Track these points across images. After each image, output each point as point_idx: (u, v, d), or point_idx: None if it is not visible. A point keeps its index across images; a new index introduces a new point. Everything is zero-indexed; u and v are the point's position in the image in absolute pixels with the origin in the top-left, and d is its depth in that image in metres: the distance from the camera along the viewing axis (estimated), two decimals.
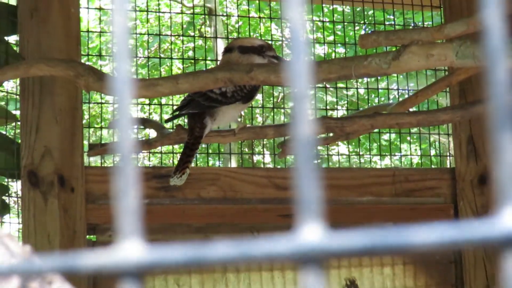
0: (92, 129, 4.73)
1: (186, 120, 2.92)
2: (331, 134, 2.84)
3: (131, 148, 0.44)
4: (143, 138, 3.19)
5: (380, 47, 2.25)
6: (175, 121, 2.97)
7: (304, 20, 0.43)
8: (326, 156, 4.20)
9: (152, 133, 3.12)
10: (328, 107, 5.96)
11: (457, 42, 1.88)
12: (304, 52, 0.43)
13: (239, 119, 3.02)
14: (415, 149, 7.64)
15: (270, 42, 3.22)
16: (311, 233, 0.40)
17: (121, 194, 0.42)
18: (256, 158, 7.63)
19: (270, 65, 2.56)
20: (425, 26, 3.97)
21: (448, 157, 3.95)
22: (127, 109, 0.45)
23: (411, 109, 3.27)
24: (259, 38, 3.57)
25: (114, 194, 0.43)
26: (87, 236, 3.06)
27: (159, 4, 4.28)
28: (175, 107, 3.13)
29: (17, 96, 3.11)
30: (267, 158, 8.10)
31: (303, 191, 0.40)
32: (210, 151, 3.85)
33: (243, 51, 2.87)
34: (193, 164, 3.07)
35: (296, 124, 0.40)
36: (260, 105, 6.62)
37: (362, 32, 7.31)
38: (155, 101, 6.35)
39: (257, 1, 3.85)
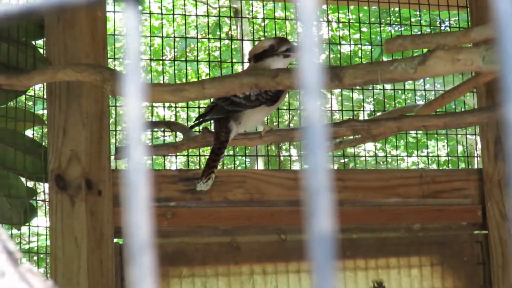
0: (119, 131, 4.73)
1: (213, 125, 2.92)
2: (357, 136, 2.83)
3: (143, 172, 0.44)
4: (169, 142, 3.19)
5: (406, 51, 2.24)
6: (201, 126, 2.97)
7: (317, 18, 0.43)
8: (353, 155, 4.18)
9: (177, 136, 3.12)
10: (354, 106, 5.94)
11: (484, 47, 1.86)
12: (314, 52, 0.43)
13: (266, 122, 3.01)
14: (443, 146, 7.60)
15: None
16: None
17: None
18: (283, 157, 7.62)
19: (296, 70, 2.55)
20: (451, 25, 3.94)
21: (475, 158, 3.92)
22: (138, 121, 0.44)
23: (438, 110, 3.26)
24: (273, 36, 3.45)
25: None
26: (115, 239, 3.07)
27: (185, 5, 4.28)
28: (202, 109, 3.13)
29: (44, 98, 3.12)
30: (294, 157, 8.08)
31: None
32: (236, 152, 3.85)
33: (258, 58, 2.85)
34: (219, 167, 3.07)
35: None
36: (286, 106, 6.60)
37: (389, 29, 7.27)
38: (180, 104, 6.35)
39: (283, 2, 3.83)
